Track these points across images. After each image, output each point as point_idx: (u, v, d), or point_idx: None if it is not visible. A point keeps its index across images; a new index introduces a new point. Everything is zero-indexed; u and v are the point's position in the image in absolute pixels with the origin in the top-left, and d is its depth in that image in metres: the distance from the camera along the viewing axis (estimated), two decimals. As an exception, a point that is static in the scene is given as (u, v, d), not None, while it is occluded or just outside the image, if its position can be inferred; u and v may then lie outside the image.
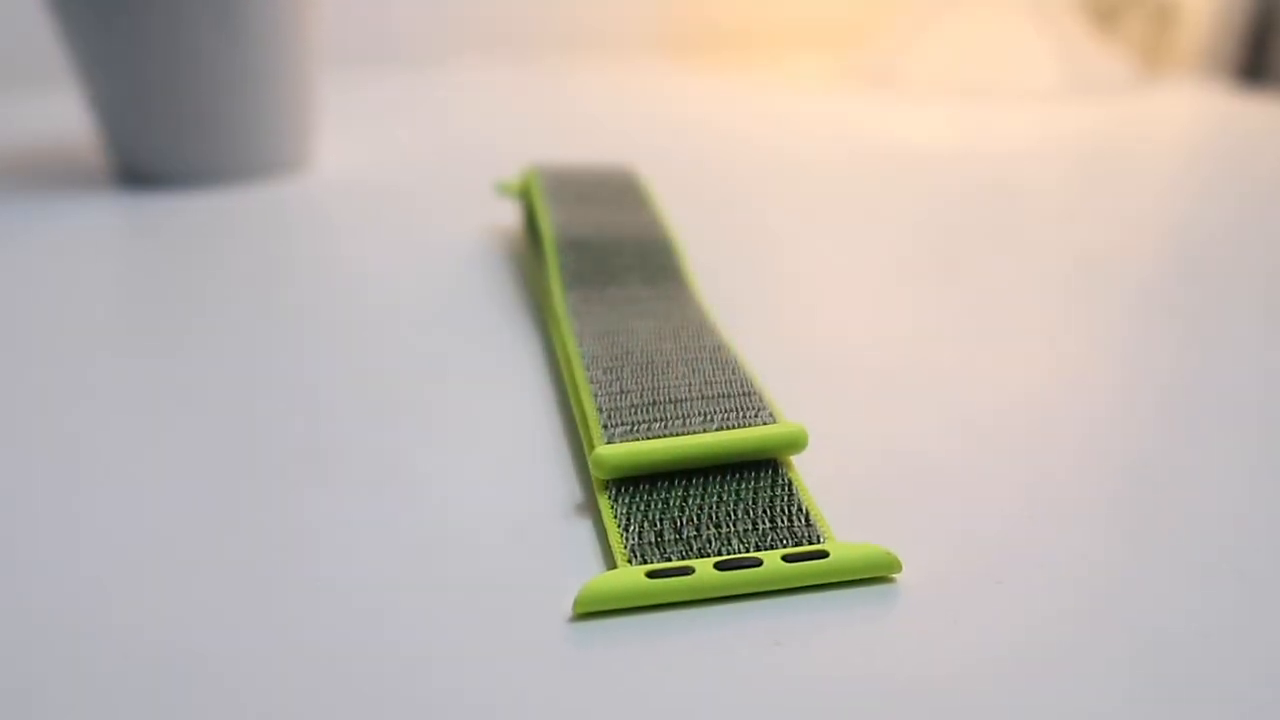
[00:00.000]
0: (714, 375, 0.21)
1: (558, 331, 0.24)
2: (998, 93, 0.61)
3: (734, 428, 0.19)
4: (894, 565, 0.16)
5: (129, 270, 0.32)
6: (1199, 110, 0.59)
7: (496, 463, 0.20)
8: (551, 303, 0.25)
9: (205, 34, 0.38)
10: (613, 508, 0.18)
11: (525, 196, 0.31)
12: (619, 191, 0.31)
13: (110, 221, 0.36)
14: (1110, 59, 0.64)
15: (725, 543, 0.17)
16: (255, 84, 0.40)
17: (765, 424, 0.19)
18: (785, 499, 0.18)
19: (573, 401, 0.21)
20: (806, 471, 0.20)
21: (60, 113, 0.54)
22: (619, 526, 0.17)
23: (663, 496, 0.18)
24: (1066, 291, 0.29)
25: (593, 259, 0.26)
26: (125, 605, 0.16)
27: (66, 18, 0.38)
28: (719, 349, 0.22)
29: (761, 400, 0.20)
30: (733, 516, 0.17)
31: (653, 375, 0.21)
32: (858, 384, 0.23)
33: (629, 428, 0.19)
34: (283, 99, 0.41)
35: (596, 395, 0.20)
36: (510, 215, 0.37)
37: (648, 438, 0.18)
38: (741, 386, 0.20)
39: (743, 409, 0.19)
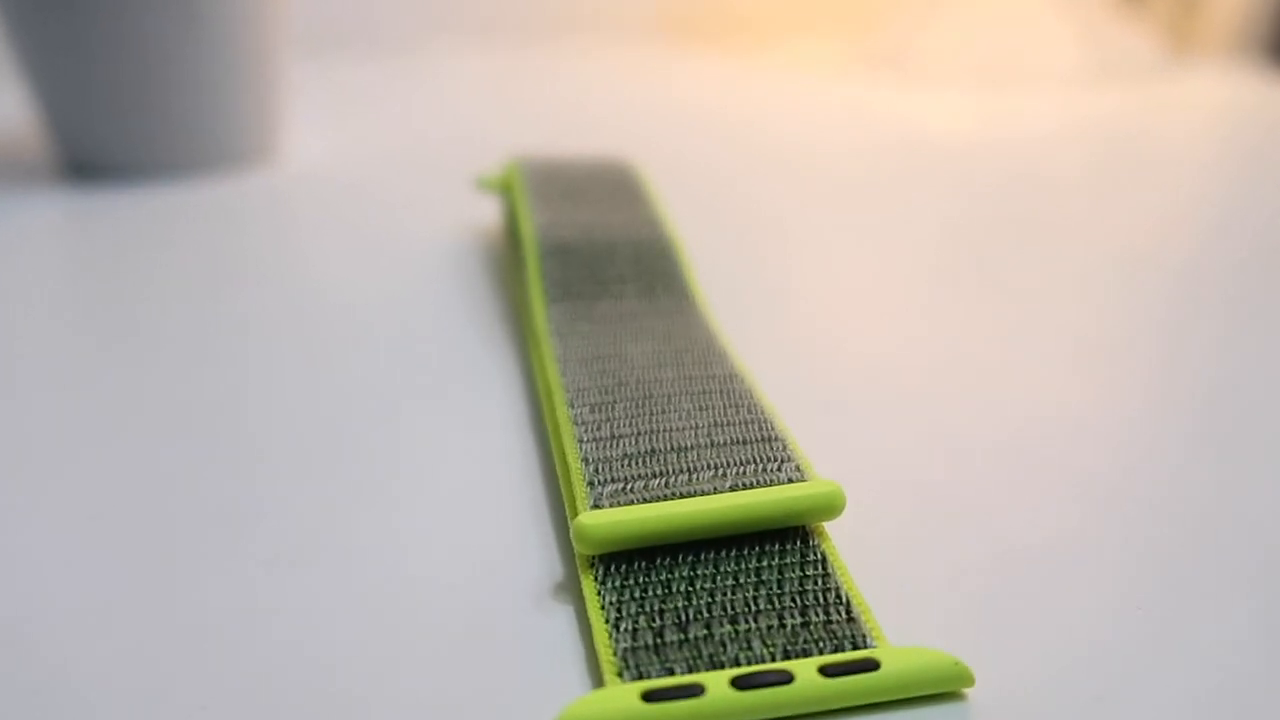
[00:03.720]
0: (726, 414, 0.17)
1: (538, 356, 0.20)
2: (1018, 77, 0.57)
3: (753, 485, 0.15)
4: (963, 678, 0.13)
5: (66, 273, 0.28)
6: (1231, 94, 0.55)
7: (456, 528, 0.16)
8: (532, 320, 0.22)
9: (158, 11, 0.34)
10: (599, 595, 0.14)
11: (506, 193, 0.27)
12: (613, 187, 0.27)
13: (50, 217, 0.33)
14: (1136, 40, 0.61)
15: (744, 646, 0.13)
16: (213, 66, 0.36)
17: (792, 480, 0.15)
18: (819, 582, 0.14)
19: (554, 447, 0.17)
20: (833, 532, 0.16)
21: None
22: (607, 623, 0.13)
23: (663, 578, 0.14)
24: (1106, 294, 0.25)
25: (580, 267, 0.23)
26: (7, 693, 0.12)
27: (0, -6, 0.34)
28: (731, 379, 0.18)
29: (786, 448, 0.16)
30: (753, 608, 0.13)
31: (651, 415, 0.17)
32: (890, 414, 0.20)
33: (621, 485, 0.15)
34: (244, 83, 0.37)
35: (581, 441, 0.16)
36: (494, 214, 0.33)
37: (644, 499, 0.15)
38: (761, 429, 0.16)
39: (763, 460, 0.16)
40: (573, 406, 0.17)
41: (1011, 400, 0.20)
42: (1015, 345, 0.23)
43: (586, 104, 0.50)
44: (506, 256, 0.28)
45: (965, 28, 0.60)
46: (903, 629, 0.14)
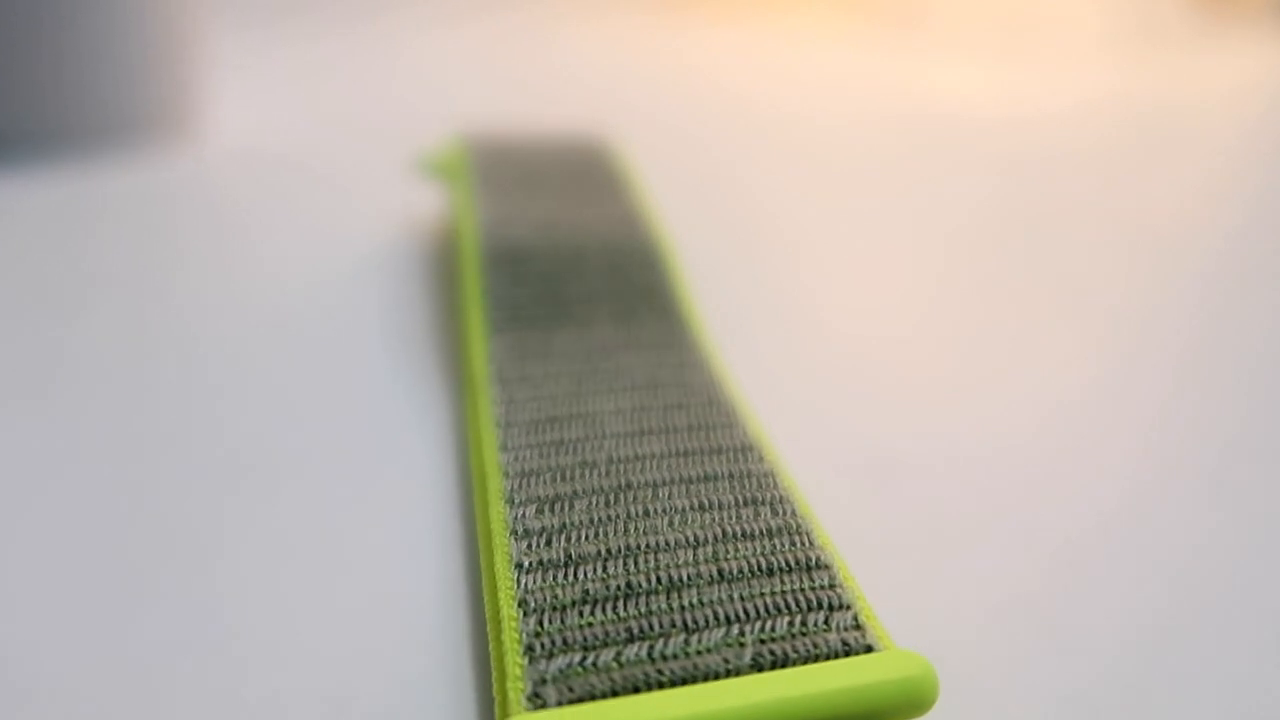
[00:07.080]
0: (741, 519, 0.11)
1: (473, 414, 0.15)
2: (1040, 42, 0.52)
3: (789, 659, 0.09)
4: None
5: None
6: (1268, 61, 0.50)
7: (325, 710, 0.11)
8: (470, 358, 0.16)
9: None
10: None
11: (449, 179, 0.22)
12: (583, 173, 0.22)
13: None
14: (1170, 3, 0.55)
15: None
16: (113, 17, 0.30)
17: (849, 648, 0.09)
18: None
19: (483, 572, 0.12)
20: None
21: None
22: None
23: (646, 837, 0.08)
24: (1140, 282, 0.20)
25: (537, 281, 0.17)
26: None
27: None
28: (745, 454, 0.12)
29: (834, 583, 0.10)
30: None
31: (628, 521, 0.11)
32: (950, 477, 0.14)
33: (578, 657, 0.09)
34: (149, 37, 0.31)
35: (520, 569, 0.11)
36: (446, 203, 0.27)
37: (612, 687, 0.09)
38: (794, 547, 0.11)
39: (803, 607, 0.10)
40: (511, 504, 0.12)
41: (1117, 459, 0.15)
42: (1073, 353, 0.17)
43: (564, 76, 0.44)
44: (453, 264, 0.22)
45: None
46: None
